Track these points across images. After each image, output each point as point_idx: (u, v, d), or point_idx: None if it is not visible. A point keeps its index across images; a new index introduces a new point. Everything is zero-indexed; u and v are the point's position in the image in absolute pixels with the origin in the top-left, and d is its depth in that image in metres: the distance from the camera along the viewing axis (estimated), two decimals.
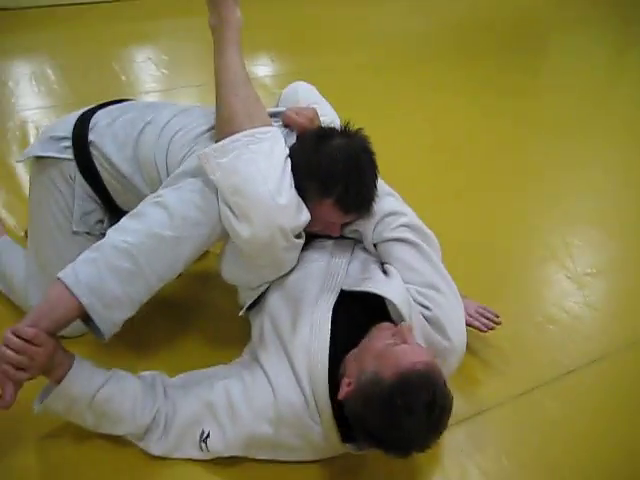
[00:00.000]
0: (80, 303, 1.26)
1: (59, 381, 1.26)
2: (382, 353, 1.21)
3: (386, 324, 1.33)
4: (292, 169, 1.38)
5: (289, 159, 1.39)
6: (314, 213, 1.40)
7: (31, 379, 1.24)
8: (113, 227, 1.37)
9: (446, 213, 2.20)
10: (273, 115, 1.55)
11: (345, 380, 1.25)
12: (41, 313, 1.26)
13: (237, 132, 1.36)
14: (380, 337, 1.27)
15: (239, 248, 1.37)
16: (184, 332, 1.73)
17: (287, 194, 1.32)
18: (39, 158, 1.58)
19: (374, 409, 1.17)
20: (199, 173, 1.38)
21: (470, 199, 2.47)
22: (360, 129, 1.46)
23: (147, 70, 3.62)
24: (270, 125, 1.43)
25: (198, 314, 1.81)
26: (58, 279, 1.27)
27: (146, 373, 1.44)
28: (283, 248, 1.36)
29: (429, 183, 2.53)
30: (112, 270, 1.29)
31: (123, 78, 3.49)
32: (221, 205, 1.34)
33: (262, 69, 3.72)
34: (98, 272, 1.28)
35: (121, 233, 1.34)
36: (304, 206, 1.38)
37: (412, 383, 1.14)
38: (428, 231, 1.53)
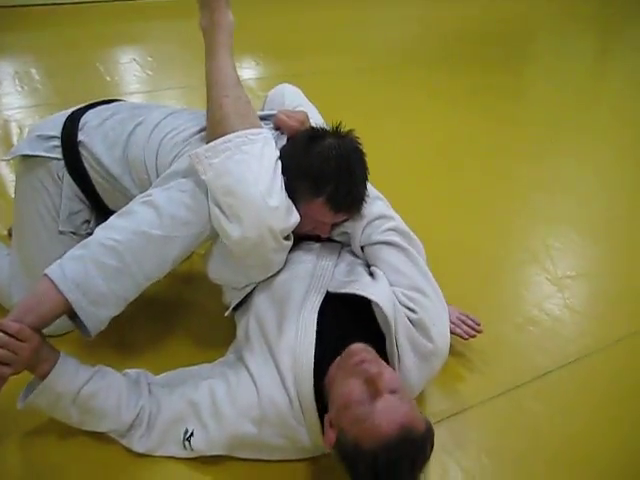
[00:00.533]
0: (66, 299, 1.26)
1: (44, 377, 1.26)
2: (357, 418, 1.15)
3: (359, 348, 1.27)
4: (283, 170, 1.39)
5: (279, 161, 1.40)
6: (305, 213, 1.41)
7: (15, 374, 1.24)
8: (101, 225, 1.38)
9: (427, 215, 2.21)
10: (263, 118, 1.56)
11: (327, 420, 1.23)
12: (26, 308, 1.26)
13: (228, 133, 1.36)
14: (353, 387, 1.19)
15: (227, 248, 1.37)
16: (169, 332, 1.73)
17: (278, 196, 1.33)
18: (26, 157, 1.57)
19: (360, 471, 1.15)
20: (190, 173, 1.38)
21: (452, 201, 2.50)
22: (351, 130, 1.48)
23: (132, 71, 3.62)
24: (260, 127, 1.43)
25: (183, 314, 1.81)
26: (45, 275, 1.28)
27: (131, 370, 1.44)
28: (272, 249, 1.36)
29: (412, 185, 2.55)
30: (98, 267, 1.29)
31: (108, 79, 3.48)
32: (211, 205, 1.34)
33: (247, 72, 3.74)
34: (84, 268, 1.29)
35: (109, 231, 1.34)
36: (294, 208, 1.39)
37: (392, 455, 1.11)
38: (414, 236, 1.55)
